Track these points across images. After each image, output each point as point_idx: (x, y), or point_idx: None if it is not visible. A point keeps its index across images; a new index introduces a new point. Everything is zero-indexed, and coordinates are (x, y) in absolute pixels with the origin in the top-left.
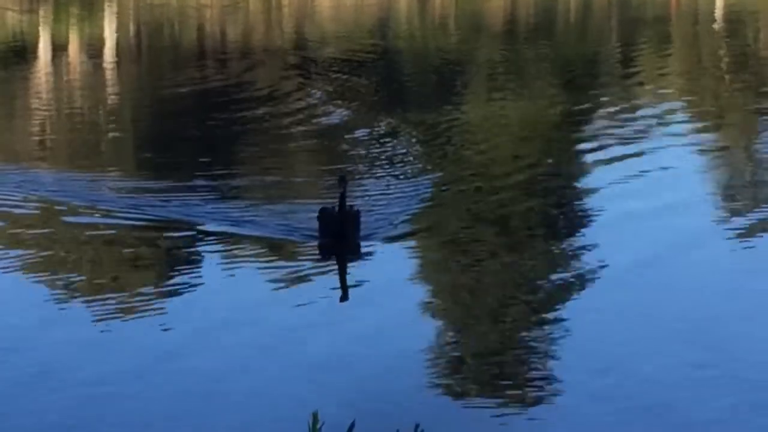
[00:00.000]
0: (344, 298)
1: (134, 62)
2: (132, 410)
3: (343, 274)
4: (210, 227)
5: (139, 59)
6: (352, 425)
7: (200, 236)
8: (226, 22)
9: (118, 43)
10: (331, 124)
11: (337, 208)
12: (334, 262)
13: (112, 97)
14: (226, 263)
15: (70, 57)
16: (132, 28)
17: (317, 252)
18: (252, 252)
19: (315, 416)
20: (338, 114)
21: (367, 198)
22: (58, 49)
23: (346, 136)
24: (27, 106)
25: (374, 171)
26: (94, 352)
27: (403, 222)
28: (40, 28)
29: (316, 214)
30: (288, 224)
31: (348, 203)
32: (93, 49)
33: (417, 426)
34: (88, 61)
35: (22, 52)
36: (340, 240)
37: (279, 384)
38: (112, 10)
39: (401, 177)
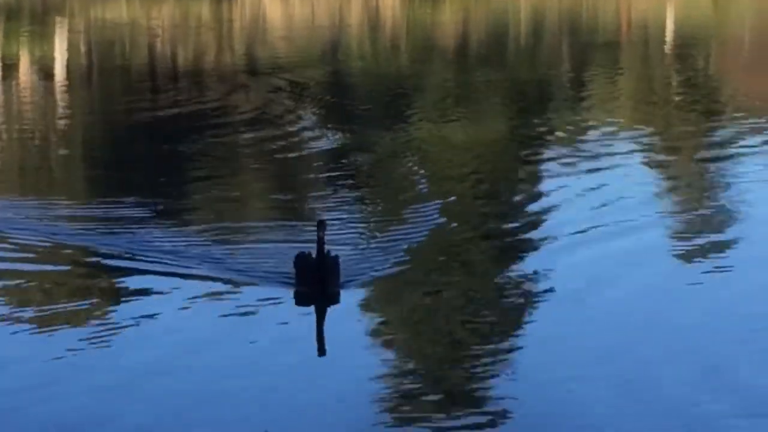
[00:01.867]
0: (321, 352)
1: (85, 82)
2: None
3: (320, 324)
4: (166, 263)
5: (90, 79)
6: None
7: (156, 274)
8: (178, 41)
9: (69, 62)
10: (281, 146)
11: (315, 254)
12: (311, 311)
13: (63, 119)
14: (185, 312)
15: (20, 76)
16: (83, 47)
17: (293, 300)
18: (212, 295)
19: None
20: (289, 138)
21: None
22: (8, 67)
23: (298, 163)
24: None
25: (328, 199)
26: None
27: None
28: None
29: (290, 258)
30: (256, 266)
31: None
32: (44, 68)
33: None
34: (39, 81)
35: None
36: (319, 288)
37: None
38: (62, 28)
39: (348, 205)
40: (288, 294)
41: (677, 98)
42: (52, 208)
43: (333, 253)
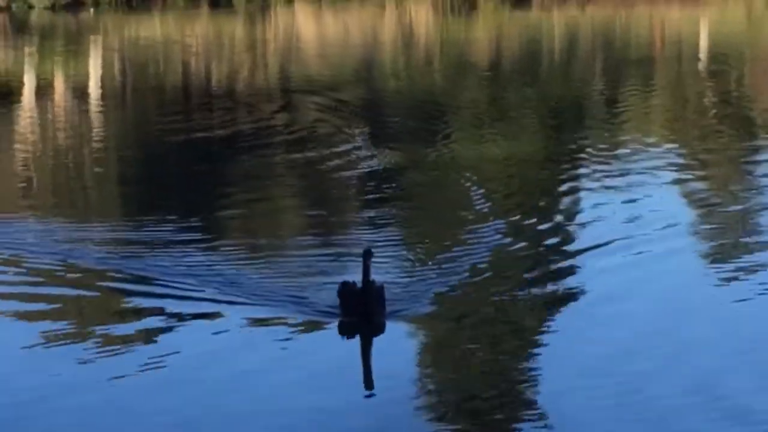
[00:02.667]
0: (369, 385)
1: (120, 101)
2: None
3: (366, 356)
4: (206, 290)
5: (125, 97)
6: None
7: (193, 300)
8: (212, 59)
9: (103, 81)
10: (319, 167)
11: (360, 283)
12: (357, 342)
13: (97, 138)
14: (227, 346)
15: (55, 96)
16: (117, 65)
17: (337, 331)
18: (254, 325)
19: None
20: (328, 158)
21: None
22: (43, 86)
23: (339, 184)
24: (10, 149)
25: (369, 223)
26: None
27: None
28: (25, 65)
29: (336, 288)
30: (300, 296)
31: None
32: (78, 87)
33: None
34: (73, 100)
35: (7, 89)
36: (364, 318)
37: None
38: (97, 47)
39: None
40: (332, 324)
41: (711, 114)
42: (86, 230)
43: (378, 282)
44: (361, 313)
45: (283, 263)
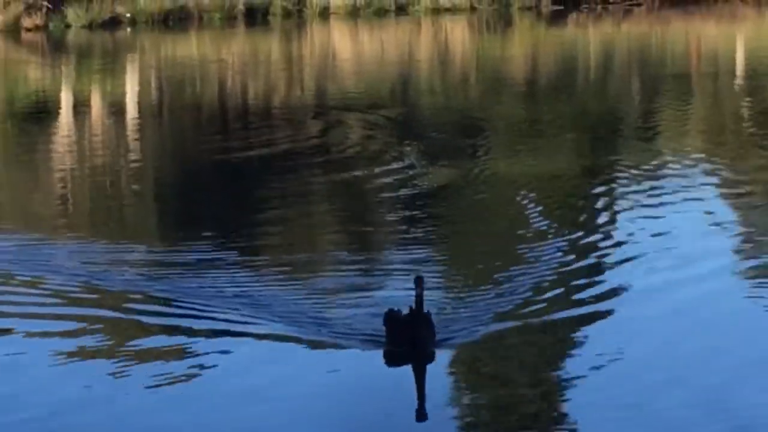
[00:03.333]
0: (422, 417)
1: (157, 120)
2: None
3: (421, 388)
4: (241, 316)
5: (162, 116)
6: None
7: (227, 333)
8: (249, 77)
9: (140, 99)
10: (364, 185)
11: (408, 311)
12: (404, 372)
13: (135, 158)
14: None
15: (92, 114)
16: (154, 83)
17: (383, 361)
18: (295, 351)
19: None
20: (369, 175)
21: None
22: (80, 104)
23: (380, 204)
24: (46, 166)
25: (415, 246)
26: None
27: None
28: (63, 83)
29: (381, 315)
30: (345, 325)
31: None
32: (115, 105)
33: None
34: (110, 118)
35: (44, 107)
36: (414, 347)
37: None
38: (134, 65)
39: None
40: (377, 353)
41: (749, 131)
42: (120, 251)
43: (425, 309)
44: (410, 342)
45: (324, 287)
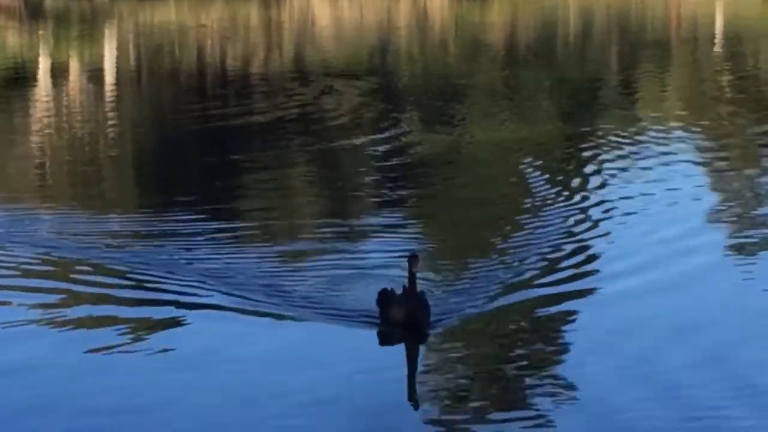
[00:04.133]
0: (412, 398)
1: (135, 86)
2: None
3: (412, 369)
4: (228, 294)
5: (140, 82)
6: None
7: (213, 308)
8: (227, 44)
9: (118, 66)
10: (343, 151)
11: (401, 290)
12: (397, 351)
13: (113, 124)
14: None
15: (70, 80)
16: (132, 50)
17: (377, 341)
18: (286, 331)
19: None
20: (348, 143)
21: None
22: (58, 70)
23: (363, 176)
24: (24, 132)
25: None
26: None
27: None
28: (40, 49)
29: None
30: (332, 299)
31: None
32: (93, 72)
33: None
34: (88, 85)
35: (22, 74)
36: (410, 328)
37: None
38: (111, 32)
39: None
40: (370, 333)
41: (728, 96)
42: (101, 222)
43: (418, 289)
44: (404, 322)
45: (311, 263)
